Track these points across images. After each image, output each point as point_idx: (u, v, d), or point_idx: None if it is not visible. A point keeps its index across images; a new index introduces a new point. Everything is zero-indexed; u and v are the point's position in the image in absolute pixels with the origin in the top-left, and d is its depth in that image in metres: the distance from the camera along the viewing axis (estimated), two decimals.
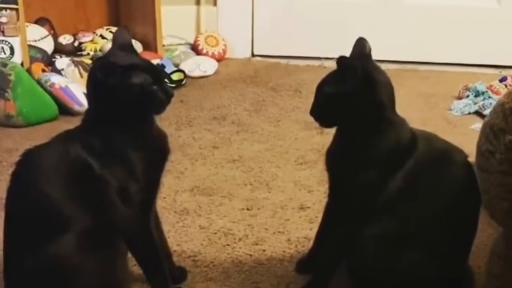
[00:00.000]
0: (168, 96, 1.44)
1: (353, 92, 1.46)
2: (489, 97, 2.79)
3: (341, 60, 1.47)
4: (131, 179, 1.41)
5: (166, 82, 1.48)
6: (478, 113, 2.74)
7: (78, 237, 1.35)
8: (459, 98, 2.89)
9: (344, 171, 1.50)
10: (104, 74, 1.38)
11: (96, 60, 1.50)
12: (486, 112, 2.66)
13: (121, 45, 1.45)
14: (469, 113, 2.76)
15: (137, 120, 1.44)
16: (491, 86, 2.87)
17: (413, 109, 2.80)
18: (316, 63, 3.39)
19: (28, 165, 1.41)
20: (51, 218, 1.36)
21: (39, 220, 1.35)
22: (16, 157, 1.45)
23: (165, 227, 1.80)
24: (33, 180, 1.39)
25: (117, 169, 1.40)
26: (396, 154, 1.48)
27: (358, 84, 1.45)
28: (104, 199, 1.39)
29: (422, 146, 1.51)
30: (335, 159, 1.53)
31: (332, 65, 3.72)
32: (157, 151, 1.48)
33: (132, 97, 1.40)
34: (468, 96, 2.86)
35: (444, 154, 1.54)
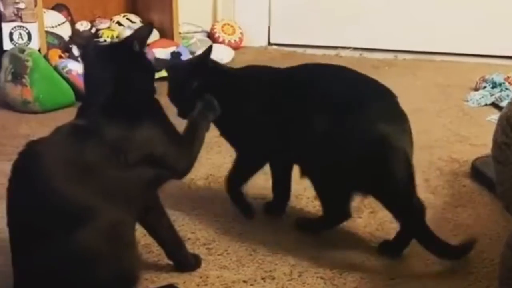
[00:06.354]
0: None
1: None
2: (506, 88, 2.78)
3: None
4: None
5: None
6: (494, 105, 2.74)
7: (99, 226, 1.33)
8: (476, 89, 2.88)
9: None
10: (140, 45, 1.47)
11: (128, 36, 1.53)
12: (503, 103, 2.65)
13: None
14: (486, 105, 2.75)
15: (150, 102, 1.48)
16: (508, 77, 2.86)
17: (429, 100, 2.79)
18: (332, 52, 3.39)
19: (37, 159, 1.35)
20: (70, 212, 1.32)
21: (55, 214, 1.31)
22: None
23: (180, 215, 1.82)
24: (47, 176, 1.33)
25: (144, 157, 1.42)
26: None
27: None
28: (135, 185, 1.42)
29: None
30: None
31: (348, 54, 3.74)
32: None
33: (153, 71, 1.52)
34: (484, 87, 2.85)
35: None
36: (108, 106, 1.43)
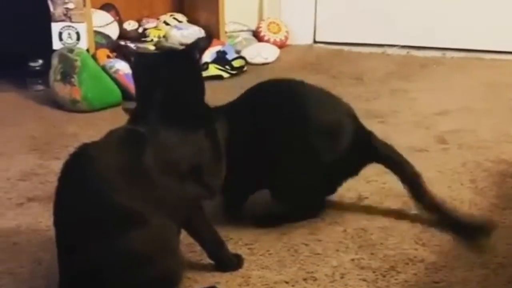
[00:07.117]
0: None
1: None
2: None
3: None
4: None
5: None
6: None
7: (146, 230, 1.34)
8: None
9: None
10: (199, 55, 1.53)
11: (187, 46, 1.59)
12: None
13: None
14: None
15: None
16: None
17: (477, 99, 2.74)
18: (379, 50, 3.35)
19: (89, 162, 1.36)
20: (118, 215, 1.33)
21: (104, 216, 1.33)
22: (81, 142, 1.42)
23: (223, 215, 1.83)
24: (98, 178, 1.34)
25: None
26: None
27: None
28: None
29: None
30: None
31: (395, 52, 3.68)
32: None
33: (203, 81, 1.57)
34: None
35: None
36: (165, 113, 1.45)
